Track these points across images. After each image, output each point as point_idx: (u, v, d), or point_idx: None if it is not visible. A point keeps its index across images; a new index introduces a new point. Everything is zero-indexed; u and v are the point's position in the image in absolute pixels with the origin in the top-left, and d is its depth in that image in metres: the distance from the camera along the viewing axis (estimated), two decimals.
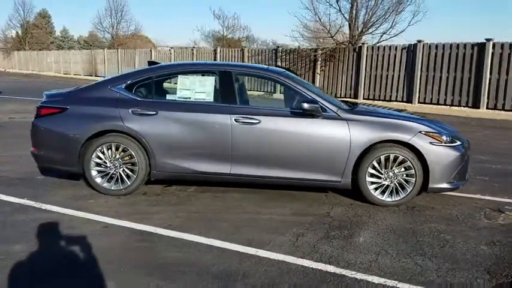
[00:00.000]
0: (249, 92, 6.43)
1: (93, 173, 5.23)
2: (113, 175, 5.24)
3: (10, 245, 3.89)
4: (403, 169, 5.05)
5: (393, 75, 16.00)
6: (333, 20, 19.32)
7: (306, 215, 4.81)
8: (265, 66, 6.01)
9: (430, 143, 5.00)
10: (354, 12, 18.22)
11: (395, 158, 5.02)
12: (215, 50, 23.54)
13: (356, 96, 16.94)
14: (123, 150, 5.18)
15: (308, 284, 3.34)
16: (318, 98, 5.16)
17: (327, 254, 3.85)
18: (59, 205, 4.92)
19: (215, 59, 23.21)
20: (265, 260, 3.71)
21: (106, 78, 5.79)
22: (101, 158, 5.21)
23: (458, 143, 5.17)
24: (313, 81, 18.39)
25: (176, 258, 3.72)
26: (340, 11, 18.21)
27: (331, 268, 3.60)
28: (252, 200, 5.28)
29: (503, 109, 13.54)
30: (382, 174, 5.07)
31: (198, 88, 5.29)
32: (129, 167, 5.22)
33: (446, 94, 14.82)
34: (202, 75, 5.43)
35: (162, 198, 5.29)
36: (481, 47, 13.91)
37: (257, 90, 16.40)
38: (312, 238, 4.20)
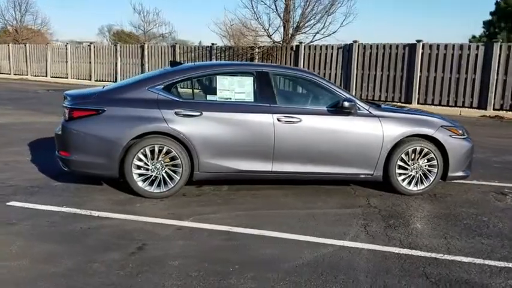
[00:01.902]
0: None
1: (135, 176, 5.09)
2: (155, 178, 5.14)
3: (105, 253, 3.74)
4: (426, 160, 5.59)
5: (330, 74, 16.89)
6: (267, 19, 19.74)
7: (353, 207, 5.14)
8: (297, 67, 6.22)
9: (450, 135, 5.59)
10: (288, 12, 18.84)
11: (421, 151, 5.54)
12: (142, 46, 22.88)
13: None
14: (166, 152, 5.11)
15: (412, 268, 3.67)
16: (352, 97, 5.51)
17: (404, 241, 4.22)
18: (107, 211, 4.74)
19: (143, 56, 22.60)
20: (358, 250, 3.98)
21: (139, 78, 5.61)
22: (142, 161, 5.09)
23: (467, 135, 5.83)
24: None
25: (276, 254, 3.85)
26: (276, 10, 18.74)
27: (420, 253, 3.96)
28: (291, 196, 5.48)
29: (432, 104, 14.98)
30: (409, 165, 5.56)
31: (238, 88, 5.37)
32: (172, 168, 5.16)
33: (380, 91, 16.01)
34: (240, 75, 5.50)
35: (205, 198, 5.30)
36: (412, 47, 15.25)
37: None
38: (378, 227, 4.54)
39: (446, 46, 14.83)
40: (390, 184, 5.59)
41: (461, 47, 14.64)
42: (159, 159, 5.12)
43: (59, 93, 18.99)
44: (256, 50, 18.76)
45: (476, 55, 14.20)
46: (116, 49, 23.83)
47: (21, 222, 4.37)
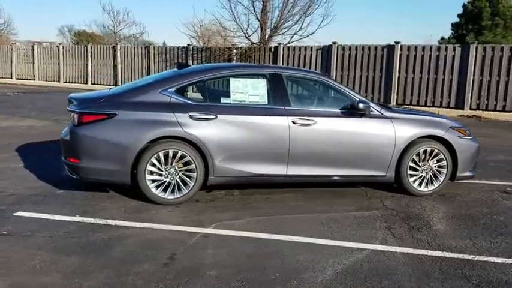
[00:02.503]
0: None
1: (148, 182, 4.91)
2: (169, 184, 4.97)
3: (136, 265, 3.57)
4: (435, 161, 5.64)
5: None
6: (245, 19, 19.67)
7: (370, 210, 5.13)
8: (307, 69, 6.17)
9: (459, 136, 5.67)
10: (266, 13, 18.82)
11: (431, 152, 5.58)
12: (114, 47, 22.35)
13: None
14: (181, 157, 4.95)
15: (450, 271, 3.67)
16: (364, 99, 5.50)
17: (432, 243, 4.22)
18: (123, 219, 4.55)
19: (115, 56, 22.07)
20: (392, 254, 3.95)
21: (150, 81, 5.42)
22: (155, 166, 4.91)
23: (472, 136, 5.92)
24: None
25: (312, 260, 3.77)
26: (254, 11, 18.68)
27: (452, 254, 3.98)
28: (304, 199, 5.43)
29: (410, 104, 15.25)
30: (419, 166, 5.60)
31: (251, 91, 5.27)
32: (186, 173, 5.00)
33: (360, 91, 16.17)
34: (253, 77, 5.39)
35: (220, 204, 5.17)
36: (391, 48, 15.50)
37: None
38: (402, 230, 4.54)
39: (423, 47, 15.15)
40: (401, 185, 5.62)
41: (438, 48, 14.99)
42: (173, 164, 4.95)
43: (29, 95, 18.34)
44: (234, 50, 18.63)
45: (453, 56, 14.55)
46: (87, 50, 23.16)
47: (37, 233, 4.12)
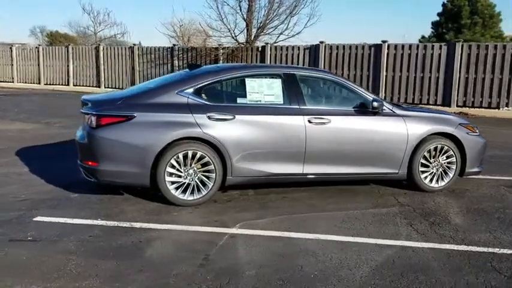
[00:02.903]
0: None
1: (168, 184, 4.88)
2: (188, 185, 4.95)
3: (174, 267, 3.55)
4: (445, 158, 5.76)
5: None
6: (233, 19, 19.64)
7: (386, 206, 5.20)
8: (319, 68, 6.21)
9: (467, 133, 5.80)
10: (252, 13, 18.83)
11: (441, 148, 5.70)
12: (97, 48, 22.03)
13: None
14: (200, 158, 4.93)
15: (480, 264, 3.75)
16: (377, 97, 5.58)
17: (456, 237, 4.31)
18: (147, 222, 4.52)
19: (98, 57, 21.76)
20: (420, 250, 4.02)
21: (165, 82, 5.38)
22: (174, 168, 4.89)
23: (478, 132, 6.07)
24: None
25: (344, 258, 3.81)
26: (240, 10, 18.67)
27: (477, 248, 4.07)
28: (317, 197, 5.46)
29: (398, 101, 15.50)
30: (430, 163, 5.71)
31: (267, 91, 5.28)
32: (205, 174, 4.99)
33: None
34: (268, 77, 5.41)
35: (238, 204, 5.18)
36: (378, 47, 15.72)
37: None
38: (423, 225, 4.62)
39: (410, 46, 15.41)
40: (413, 182, 5.71)
41: (425, 47, 15.26)
42: (192, 165, 4.94)
43: (11, 98, 17.92)
44: (221, 50, 18.59)
45: (439, 54, 14.84)
46: (68, 51, 22.77)
47: (63, 238, 4.06)
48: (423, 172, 5.70)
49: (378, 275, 3.50)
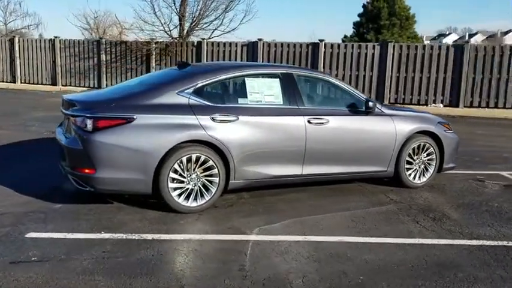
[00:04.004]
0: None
1: (171, 190, 4.57)
2: (191, 190, 4.68)
3: (213, 280, 3.32)
4: (425, 155, 6.00)
5: None
6: (168, 13, 19.01)
7: (383, 204, 5.30)
8: (314, 69, 6.14)
9: (444, 131, 6.09)
10: (184, 7, 18.37)
11: (424, 146, 5.93)
12: (12, 40, 20.19)
13: None
14: (203, 162, 4.68)
15: (501, 258, 3.93)
16: (368, 97, 5.67)
17: (464, 232, 4.50)
18: (156, 232, 4.21)
19: (12, 50, 19.95)
20: (440, 247, 4.14)
21: (162, 81, 5.01)
22: (177, 173, 4.59)
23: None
24: None
25: (377, 259, 3.81)
26: (174, 4, 18.11)
27: (489, 242, 4.25)
28: (315, 197, 5.43)
29: None
30: (414, 160, 5.92)
31: (266, 91, 5.14)
32: (208, 179, 4.75)
33: None
34: (266, 77, 5.26)
35: (240, 208, 4.99)
36: (315, 46, 16.07)
37: None
38: (427, 222, 4.75)
39: (346, 45, 15.95)
40: (399, 178, 5.88)
41: (359, 46, 15.87)
42: (195, 169, 4.66)
43: None
44: (154, 45, 17.89)
45: (373, 54, 15.52)
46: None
47: (73, 256, 3.63)
48: (408, 169, 5.89)
49: (420, 276, 3.53)
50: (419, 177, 5.99)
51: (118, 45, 18.59)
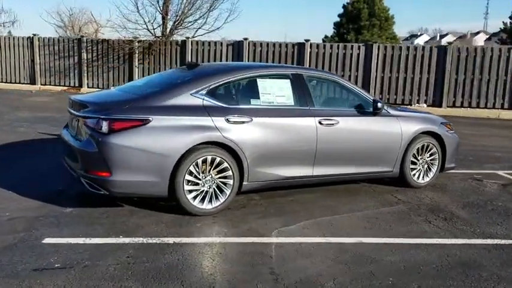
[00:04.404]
0: None
1: (186, 193, 4.51)
2: (206, 193, 4.63)
3: (249, 284, 3.28)
4: (428, 155, 6.10)
5: None
6: (151, 11, 18.75)
7: (392, 205, 5.34)
8: (323, 70, 6.14)
9: (446, 131, 6.20)
10: (167, 5, 18.18)
11: (427, 146, 6.02)
12: None
13: None
14: (218, 164, 4.64)
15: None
16: (376, 98, 5.72)
17: (477, 232, 4.58)
18: (178, 236, 4.14)
19: None
20: (459, 247, 4.19)
21: (171, 82, 4.94)
22: (192, 175, 4.53)
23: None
24: (131, 75, 17.66)
25: (401, 260, 3.84)
26: (158, 2, 17.88)
27: (506, 241, 4.34)
28: (327, 199, 5.44)
29: None
30: (418, 160, 6.01)
31: (278, 92, 5.13)
32: (223, 181, 4.71)
33: None
34: (277, 78, 5.25)
35: (253, 210, 4.96)
36: (301, 46, 16.12)
37: None
38: (439, 222, 4.82)
39: (331, 46, 16.06)
40: (404, 179, 5.95)
41: (345, 47, 15.99)
42: (210, 171, 4.62)
43: None
44: (137, 43, 17.62)
45: (358, 54, 15.67)
46: None
47: (97, 262, 3.54)
48: (412, 169, 5.97)
49: (447, 277, 3.57)
50: (423, 177, 6.08)
51: (100, 44, 18.24)
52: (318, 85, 5.79)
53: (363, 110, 5.56)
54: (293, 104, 5.15)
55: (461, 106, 15.04)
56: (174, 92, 4.65)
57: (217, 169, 4.64)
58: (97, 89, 17.86)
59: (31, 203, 4.77)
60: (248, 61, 16.43)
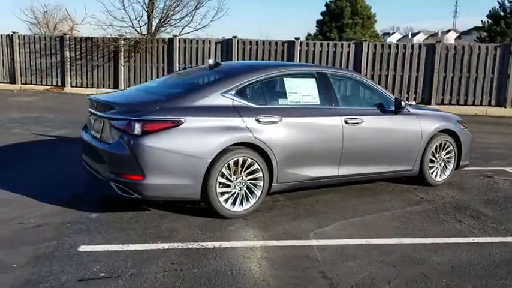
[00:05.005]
0: None
1: (218, 195, 4.39)
2: (237, 195, 4.52)
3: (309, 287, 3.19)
4: (445, 152, 6.11)
5: None
6: (138, 9, 18.37)
7: (418, 204, 5.32)
8: (347, 69, 6.06)
9: (462, 129, 6.23)
10: (153, 2, 17.86)
11: (445, 144, 6.04)
12: None
13: None
14: (249, 165, 4.53)
15: None
16: (398, 97, 5.69)
17: (507, 229, 4.59)
18: (215, 240, 4.03)
19: None
20: (497, 245, 4.19)
21: (202, 82, 4.79)
22: (223, 177, 4.41)
23: None
24: (117, 73, 17.31)
25: (446, 260, 3.80)
26: (143, 0, 17.54)
27: None
28: (351, 199, 5.39)
29: None
30: (435, 158, 6.02)
31: (304, 91, 5.04)
32: (253, 182, 4.60)
33: None
34: (303, 77, 5.16)
35: (282, 211, 4.87)
36: (291, 44, 16.07)
37: None
38: (469, 220, 4.82)
39: (321, 44, 16.07)
40: (423, 177, 5.95)
41: (335, 45, 16.02)
42: (241, 173, 4.50)
43: None
44: (122, 41, 17.25)
45: (348, 52, 15.71)
46: None
47: (144, 270, 3.39)
48: (431, 167, 5.97)
49: (497, 276, 3.56)
50: (440, 175, 6.09)
51: (83, 42, 17.77)
52: (341, 83, 5.71)
53: (384, 108, 5.52)
54: (319, 103, 5.07)
55: (450, 103, 15.25)
56: (203, 92, 4.50)
57: (248, 170, 4.53)
58: (80, 88, 17.46)
59: (53, 209, 4.56)
60: (238, 59, 16.29)
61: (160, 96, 4.54)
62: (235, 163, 4.42)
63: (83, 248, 3.70)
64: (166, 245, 3.83)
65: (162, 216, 4.50)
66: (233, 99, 4.53)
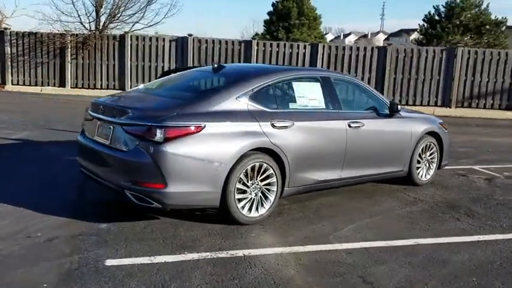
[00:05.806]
0: None
1: (237, 202, 4.31)
2: (253, 200, 4.47)
3: None
4: (429, 153, 6.40)
5: (163, 66, 16.26)
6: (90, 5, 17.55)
7: (414, 204, 5.51)
8: (346, 73, 6.09)
9: (443, 130, 6.54)
10: None
11: (429, 145, 6.32)
12: None
13: (122, 87, 16.27)
14: (264, 170, 4.49)
15: None
16: (392, 101, 5.86)
17: (503, 226, 4.87)
18: (243, 248, 3.96)
19: None
20: (502, 242, 4.44)
21: (214, 85, 4.65)
22: (240, 182, 4.35)
23: None
24: (63, 70, 16.51)
25: (462, 260, 3.96)
26: None
27: None
28: (348, 201, 5.47)
29: None
30: (422, 159, 6.28)
31: (310, 95, 5.07)
32: (267, 187, 4.57)
33: None
34: (308, 81, 5.19)
35: (293, 216, 4.87)
36: (248, 44, 16.10)
37: None
38: (466, 219, 5.06)
39: (278, 44, 16.22)
40: (411, 177, 6.17)
41: (291, 46, 16.22)
42: (257, 178, 4.45)
43: None
44: (69, 37, 16.43)
45: (304, 53, 15.98)
46: None
47: (184, 283, 3.26)
48: (417, 168, 6.21)
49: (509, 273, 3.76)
50: (425, 175, 6.35)
51: (26, 37, 16.76)
52: (342, 87, 5.79)
53: (380, 111, 5.67)
54: (324, 107, 5.12)
55: (400, 104, 15.89)
56: (219, 96, 4.39)
57: (263, 176, 4.48)
58: (23, 86, 16.45)
59: (56, 220, 4.27)
60: (193, 58, 16.06)
61: (178, 100, 4.38)
62: (252, 168, 4.36)
63: (109, 263, 3.49)
64: (195, 256, 3.70)
65: (176, 225, 4.34)
66: (247, 104, 4.46)
